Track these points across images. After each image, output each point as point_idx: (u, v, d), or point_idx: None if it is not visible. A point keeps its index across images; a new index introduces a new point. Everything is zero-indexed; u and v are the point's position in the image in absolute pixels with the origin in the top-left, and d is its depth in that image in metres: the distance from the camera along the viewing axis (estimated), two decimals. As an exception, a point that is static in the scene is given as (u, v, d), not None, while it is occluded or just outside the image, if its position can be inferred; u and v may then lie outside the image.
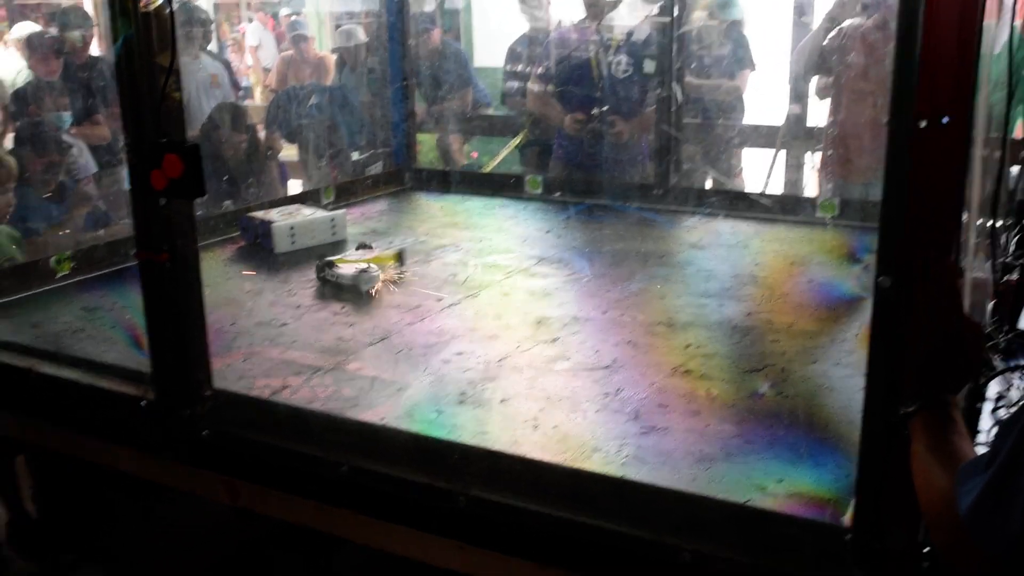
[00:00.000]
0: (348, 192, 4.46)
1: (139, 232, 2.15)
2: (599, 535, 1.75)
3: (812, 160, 4.69)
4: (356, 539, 2.14)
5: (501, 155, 5.39)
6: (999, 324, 2.34)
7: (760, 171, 5.14)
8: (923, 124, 1.35)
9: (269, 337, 2.71)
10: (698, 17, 4.98)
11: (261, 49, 10.38)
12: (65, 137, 4.38)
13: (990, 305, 2.36)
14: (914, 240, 1.39)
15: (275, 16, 10.44)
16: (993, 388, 2.09)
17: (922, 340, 1.38)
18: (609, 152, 4.50)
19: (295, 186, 5.38)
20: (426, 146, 5.50)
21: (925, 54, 1.34)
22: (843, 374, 2.31)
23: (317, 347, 2.62)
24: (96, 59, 5.16)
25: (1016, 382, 2.08)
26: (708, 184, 4.93)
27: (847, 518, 1.62)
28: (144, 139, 2.06)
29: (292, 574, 3.18)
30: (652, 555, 1.70)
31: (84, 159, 4.58)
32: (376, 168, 4.98)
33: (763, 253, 3.43)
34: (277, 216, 3.66)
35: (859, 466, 1.51)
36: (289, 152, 5.75)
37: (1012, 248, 2.75)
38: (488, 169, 5.32)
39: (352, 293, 3.01)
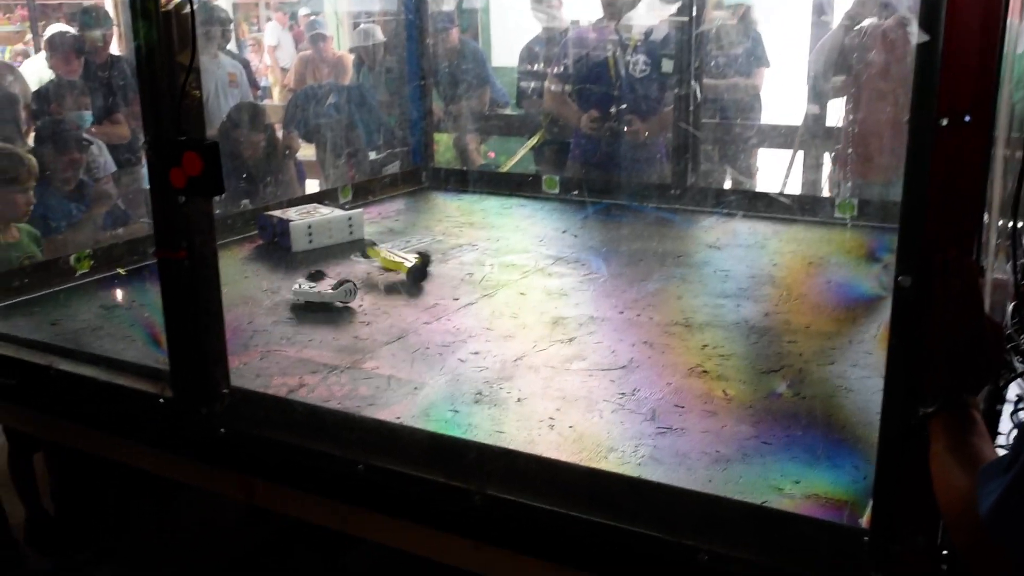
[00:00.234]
0: (365, 191, 4.47)
1: (158, 229, 2.16)
2: (615, 535, 1.74)
3: (831, 160, 4.66)
4: (371, 537, 2.14)
5: (518, 155, 5.39)
6: (1020, 325, 2.32)
7: (778, 171, 5.11)
8: (944, 122, 1.34)
9: (286, 336, 2.72)
10: (715, 16, 4.96)
11: (279, 49, 10.42)
12: (86, 136, 4.41)
13: (1011, 307, 2.33)
14: (935, 239, 1.37)
15: (293, 16, 10.48)
16: (1013, 390, 2.07)
17: (942, 340, 1.37)
18: (626, 151, 4.49)
19: (313, 185, 5.39)
20: (443, 145, 5.50)
21: (947, 52, 1.32)
22: (861, 375, 2.30)
23: (334, 346, 2.62)
24: (116, 58, 5.19)
25: (1037, 384, 2.06)
26: (727, 184, 4.91)
27: (865, 520, 1.61)
28: (164, 137, 2.07)
29: (308, 571, 3.19)
30: (669, 556, 1.69)
31: (104, 158, 4.61)
32: (393, 167, 4.99)
33: (781, 253, 3.41)
34: (295, 215, 3.67)
35: (877, 467, 1.50)
36: (307, 151, 5.77)
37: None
38: (505, 169, 5.31)
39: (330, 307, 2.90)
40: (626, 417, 2.14)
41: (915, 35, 1.37)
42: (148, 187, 2.19)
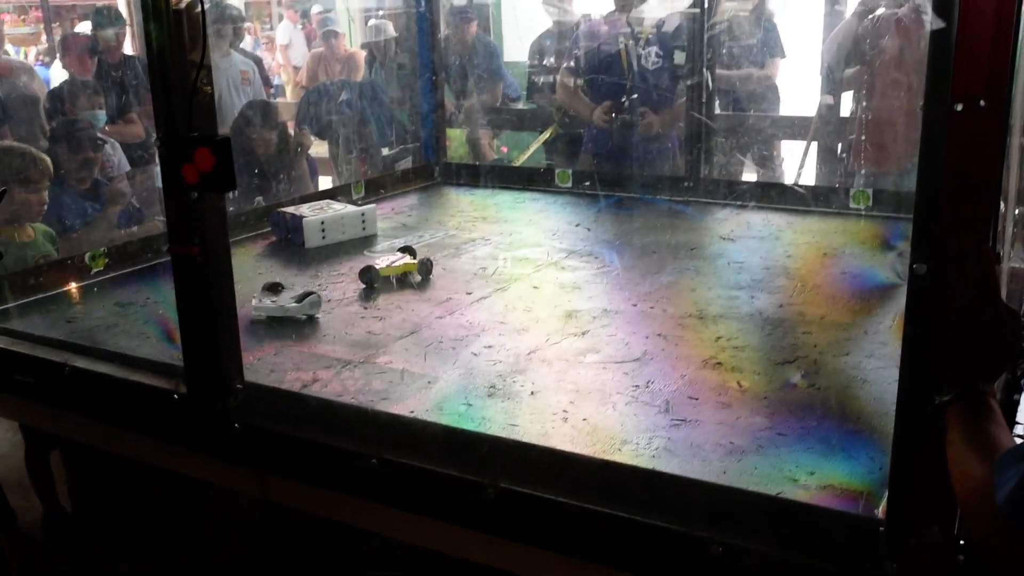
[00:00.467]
0: (378, 187, 4.48)
1: (171, 226, 2.17)
2: (629, 528, 1.73)
3: (845, 150, 4.63)
4: (385, 532, 2.14)
5: (531, 149, 5.38)
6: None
7: (793, 162, 5.09)
8: (959, 108, 1.33)
9: (300, 331, 2.72)
10: (727, 7, 4.93)
11: (291, 48, 10.44)
12: (100, 135, 4.43)
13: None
14: (950, 226, 1.36)
15: (305, 14, 10.49)
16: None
17: (958, 328, 1.35)
18: (639, 144, 4.47)
19: (326, 182, 5.40)
20: (456, 141, 5.50)
21: (962, 36, 1.31)
22: (876, 365, 2.28)
23: (347, 341, 2.63)
24: (129, 57, 5.21)
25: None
26: (751, 176, 4.88)
27: (880, 510, 1.59)
28: (176, 133, 2.07)
29: (326, 565, 3.20)
30: (683, 548, 1.69)
31: (118, 157, 4.63)
32: (406, 163, 4.99)
33: (795, 244, 3.39)
34: (308, 211, 3.68)
35: (893, 457, 1.49)
36: (320, 148, 5.78)
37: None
38: (518, 163, 5.31)
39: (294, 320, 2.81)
40: (640, 409, 2.14)
41: (930, 22, 1.35)
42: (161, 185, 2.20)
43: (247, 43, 9.64)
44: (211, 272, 2.14)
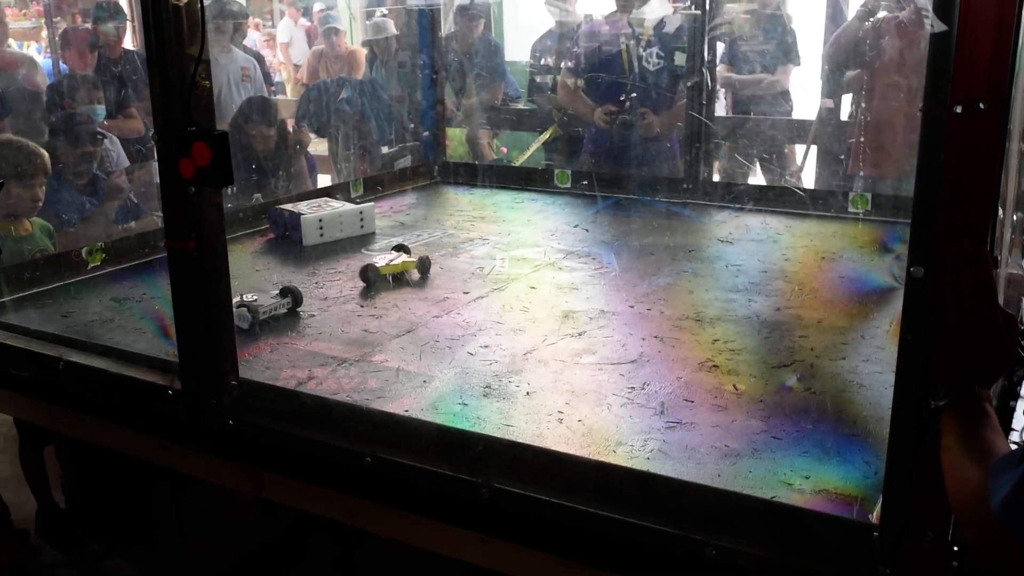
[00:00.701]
0: (377, 185, 4.47)
1: (168, 220, 2.16)
2: (623, 529, 1.73)
3: (845, 153, 4.63)
4: (378, 531, 2.14)
5: (531, 149, 5.37)
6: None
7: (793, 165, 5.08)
8: (958, 110, 1.32)
9: (296, 328, 2.71)
10: (737, 9, 4.93)
11: (292, 45, 10.42)
12: (99, 130, 4.42)
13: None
14: (947, 229, 1.35)
15: (306, 12, 10.48)
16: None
17: (955, 332, 1.35)
18: (639, 145, 4.47)
19: (325, 179, 5.39)
20: (456, 140, 5.49)
21: (962, 38, 1.30)
22: (872, 370, 2.27)
23: (343, 339, 2.62)
24: (129, 52, 5.20)
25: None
26: (760, 179, 4.87)
27: (875, 515, 1.59)
28: (173, 128, 2.06)
29: (320, 564, 3.19)
30: (677, 550, 1.68)
31: (117, 152, 4.61)
32: (405, 161, 4.99)
33: (793, 248, 3.39)
34: (306, 209, 3.67)
35: (888, 461, 1.48)
36: (320, 146, 5.77)
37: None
38: (518, 163, 5.30)
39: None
40: (635, 411, 2.13)
41: (932, 25, 1.34)
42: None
43: (255, 38, 9.65)
44: (207, 267, 2.13)
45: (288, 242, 3.61)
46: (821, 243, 3.43)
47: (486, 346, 2.53)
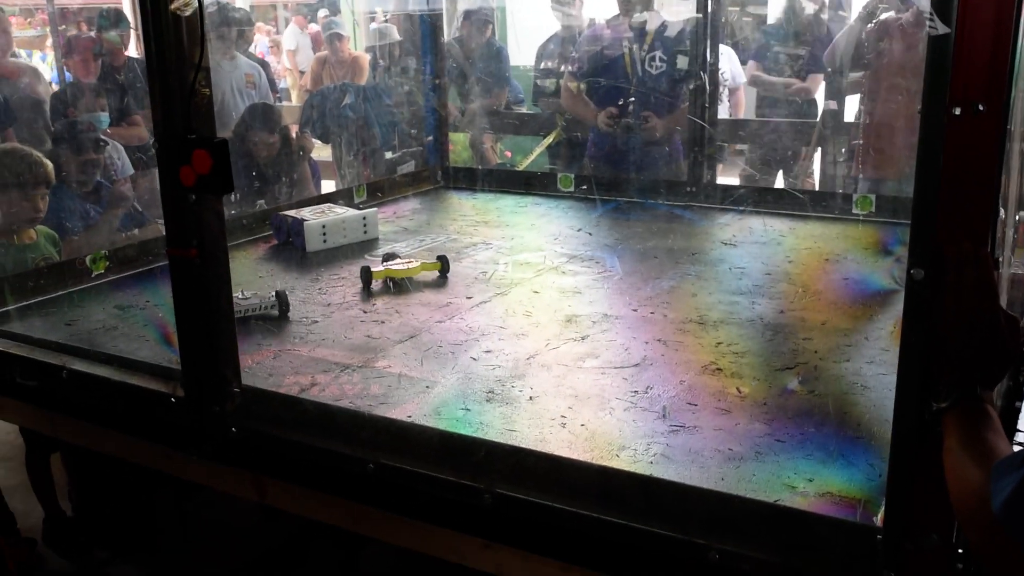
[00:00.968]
0: (380, 191, 4.48)
1: (169, 228, 2.16)
2: (625, 534, 1.72)
3: (848, 156, 4.62)
4: (381, 536, 2.13)
5: (535, 153, 5.38)
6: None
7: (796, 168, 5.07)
8: (957, 112, 1.32)
9: (299, 335, 2.71)
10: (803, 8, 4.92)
11: (298, 52, 10.45)
12: (102, 137, 4.43)
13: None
14: (947, 231, 1.35)
15: (313, 18, 10.51)
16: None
17: (957, 334, 1.34)
18: (642, 148, 4.47)
19: (328, 185, 5.40)
20: (459, 145, 5.50)
21: (960, 39, 1.30)
22: (876, 372, 2.26)
23: (346, 345, 2.62)
24: (133, 60, 5.21)
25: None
26: (780, 183, 4.86)
27: (879, 518, 1.58)
28: (174, 135, 2.06)
29: (324, 570, 3.19)
30: (680, 554, 1.67)
31: (121, 160, 4.62)
32: (408, 167, 4.99)
33: (797, 250, 3.38)
34: (309, 215, 3.67)
35: (890, 464, 1.48)
36: (324, 152, 5.78)
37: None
38: (521, 167, 5.31)
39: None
40: (638, 415, 2.12)
41: (934, 27, 1.34)
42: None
43: (262, 44, 9.67)
44: (209, 274, 2.13)
45: (291, 248, 3.62)
46: (825, 245, 3.43)
47: (489, 351, 2.52)
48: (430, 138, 4.76)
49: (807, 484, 1.80)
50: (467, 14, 5.65)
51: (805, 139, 4.78)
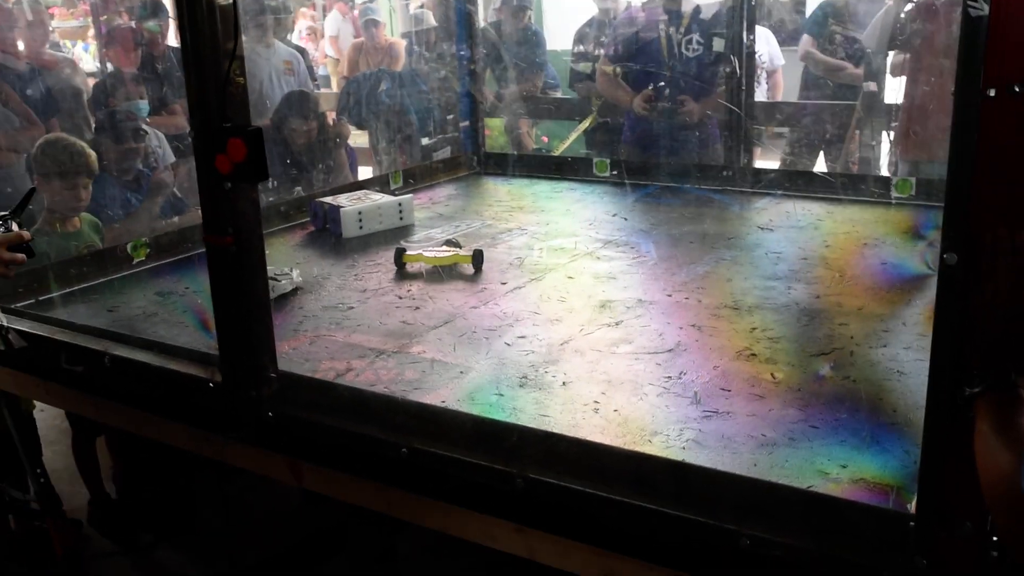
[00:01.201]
0: (416, 177, 4.50)
1: (205, 216, 2.19)
2: (656, 519, 1.73)
3: (889, 138, 4.55)
4: (415, 520, 2.15)
5: (571, 138, 5.37)
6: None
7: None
8: (992, 93, 1.29)
9: (335, 321, 2.74)
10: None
11: (339, 39, 10.47)
12: (144, 127, 4.49)
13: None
14: (982, 215, 1.33)
15: (354, 5, 10.53)
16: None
17: (991, 319, 1.32)
18: (678, 132, 4.44)
19: (366, 172, 5.43)
20: (496, 130, 5.50)
21: (994, 19, 1.27)
22: (913, 357, 2.24)
23: (382, 331, 2.64)
24: (172, 50, 5.26)
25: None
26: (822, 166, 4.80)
27: (912, 505, 1.57)
28: (209, 124, 2.09)
29: (363, 553, 3.23)
30: (711, 540, 1.67)
31: (163, 148, 4.68)
32: (444, 153, 5.00)
33: (834, 234, 3.34)
34: (345, 201, 3.70)
35: (923, 450, 1.46)
36: (361, 138, 5.81)
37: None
38: (557, 152, 5.30)
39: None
40: (672, 401, 2.12)
41: (975, 6, 1.31)
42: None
43: (304, 28, 9.70)
44: (244, 262, 2.16)
45: (328, 235, 3.65)
46: (863, 229, 3.38)
47: (523, 336, 2.53)
48: (466, 123, 4.77)
49: (840, 471, 1.79)
50: (504, 0, 5.64)
51: (845, 122, 4.72)
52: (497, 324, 2.63)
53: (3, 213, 2.53)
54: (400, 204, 3.75)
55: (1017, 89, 1.28)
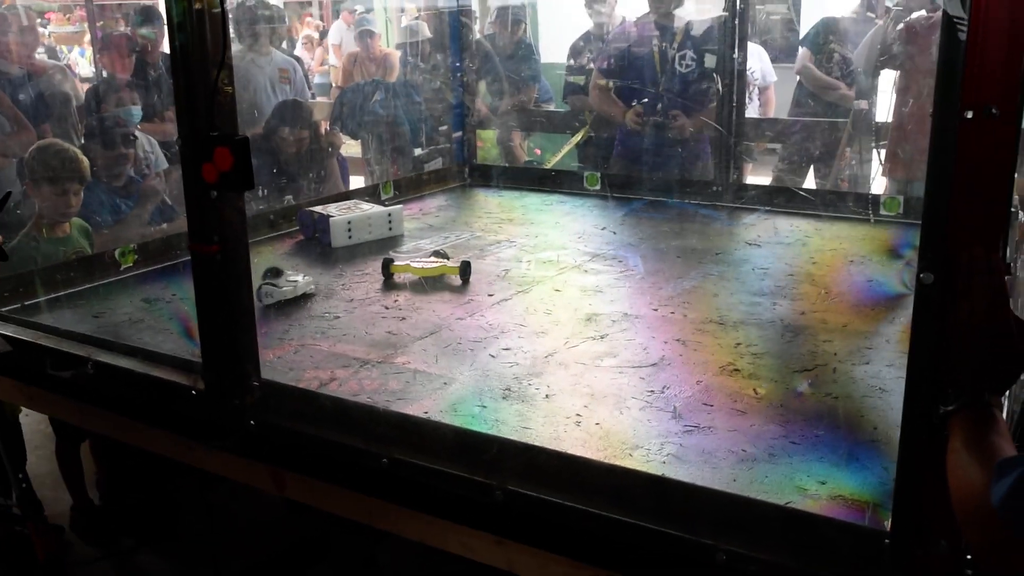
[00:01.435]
0: (408, 187, 4.50)
1: (191, 224, 2.19)
2: (633, 532, 1.73)
3: (878, 156, 4.57)
4: (395, 530, 2.15)
5: (563, 151, 5.38)
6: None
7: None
8: (969, 115, 1.30)
9: (321, 330, 2.74)
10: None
11: (342, 47, 10.49)
12: (137, 133, 4.49)
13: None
14: (959, 235, 1.34)
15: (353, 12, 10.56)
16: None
17: (967, 339, 1.33)
18: (670, 147, 4.45)
19: (358, 181, 5.44)
20: (488, 142, 5.51)
21: (972, 40, 1.29)
22: (895, 375, 2.24)
23: (367, 340, 2.64)
24: (166, 57, 5.27)
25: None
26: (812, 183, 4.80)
27: (889, 522, 1.57)
28: (196, 132, 2.09)
29: (345, 561, 3.22)
30: (687, 554, 1.67)
31: (155, 154, 4.68)
32: (436, 164, 5.01)
33: (821, 251, 3.35)
34: (335, 211, 3.70)
35: (899, 468, 1.47)
36: (354, 148, 5.82)
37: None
38: (549, 165, 5.31)
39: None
40: (654, 415, 2.13)
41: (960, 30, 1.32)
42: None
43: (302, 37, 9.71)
44: (230, 270, 2.16)
45: (317, 244, 3.65)
46: (850, 246, 3.40)
47: (508, 348, 2.53)
48: (458, 135, 4.79)
49: (819, 487, 1.79)
50: (499, 12, 5.66)
51: (835, 139, 4.74)
52: (482, 336, 2.64)
53: None
54: (390, 214, 3.75)
55: (995, 111, 1.29)
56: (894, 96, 4.53)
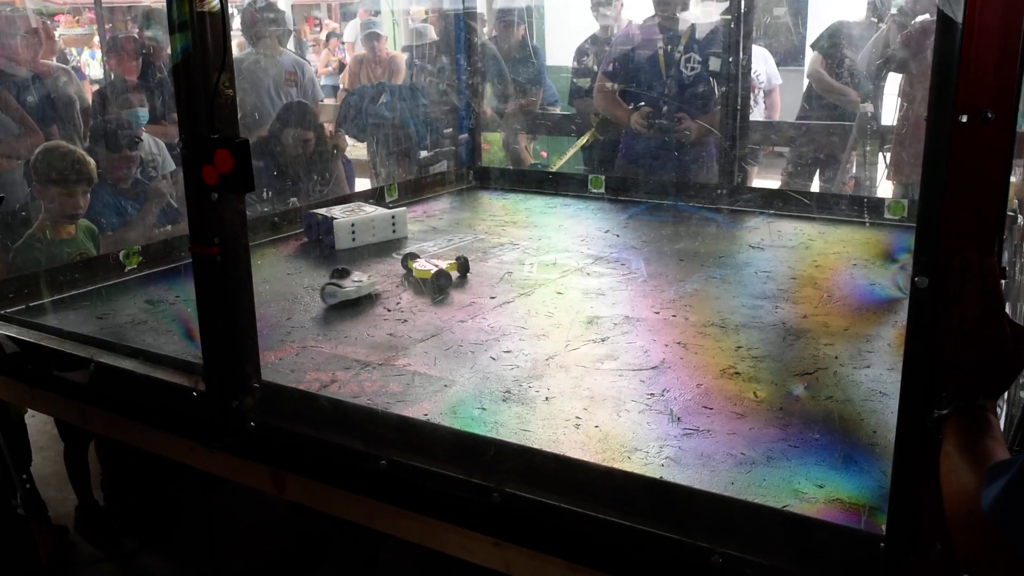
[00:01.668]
0: (412, 190, 4.51)
1: (192, 226, 2.20)
2: (630, 535, 1.73)
3: (884, 159, 4.56)
4: (394, 532, 2.15)
5: (568, 154, 5.38)
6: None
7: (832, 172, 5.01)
8: (964, 119, 1.30)
9: (323, 332, 2.75)
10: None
11: (356, 47, 10.50)
12: (143, 135, 4.51)
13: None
14: (953, 239, 1.34)
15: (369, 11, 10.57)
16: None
17: (961, 343, 1.33)
18: (675, 150, 4.45)
19: (363, 184, 5.45)
20: (494, 145, 5.52)
21: (966, 45, 1.28)
22: (896, 379, 2.22)
23: (368, 342, 2.65)
24: (173, 59, 5.29)
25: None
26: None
27: (884, 526, 1.57)
28: (197, 135, 2.10)
29: (346, 562, 3.23)
30: (683, 557, 1.67)
31: (163, 156, 4.70)
32: (441, 166, 5.02)
33: (825, 254, 3.35)
34: (339, 213, 3.71)
35: (894, 472, 1.47)
36: (359, 150, 5.82)
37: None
38: (555, 168, 5.31)
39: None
40: (653, 418, 2.13)
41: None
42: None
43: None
44: (230, 272, 2.17)
45: (321, 246, 3.66)
46: (854, 250, 3.39)
47: (508, 351, 2.54)
48: (464, 137, 4.79)
49: (817, 491, 1.79)
50: (499, 15, 5.67)
51: (840, 143, 4.73)
52: (484, 338, 2.64)
53: None
54: (393, 216, 3.76)
55: (989, 115, 1.29)
56: (899, 100, 4.52)
